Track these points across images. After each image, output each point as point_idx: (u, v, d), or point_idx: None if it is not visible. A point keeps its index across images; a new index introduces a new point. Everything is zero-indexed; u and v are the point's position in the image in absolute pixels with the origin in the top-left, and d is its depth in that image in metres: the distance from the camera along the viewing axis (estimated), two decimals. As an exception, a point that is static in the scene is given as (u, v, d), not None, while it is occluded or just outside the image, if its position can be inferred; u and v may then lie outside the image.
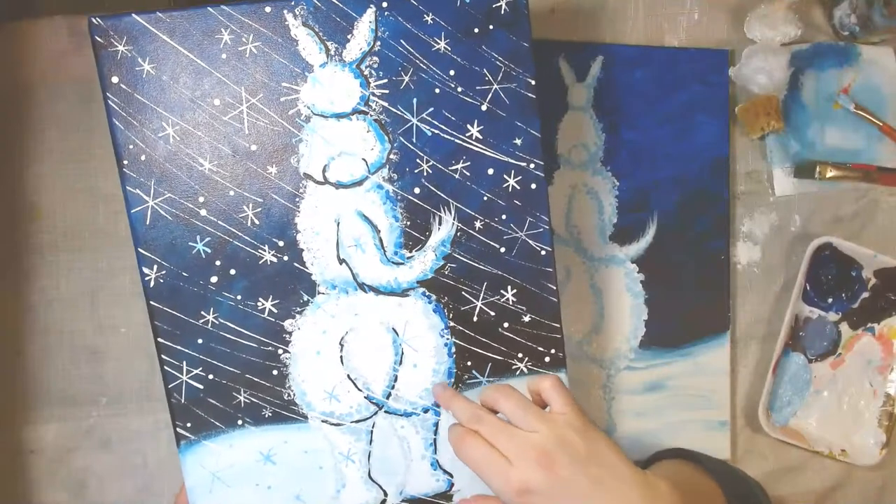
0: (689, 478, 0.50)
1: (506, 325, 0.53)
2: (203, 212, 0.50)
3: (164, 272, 0.50)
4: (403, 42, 0.51)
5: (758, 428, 0.67)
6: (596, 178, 0.67)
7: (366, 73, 0.51)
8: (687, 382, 0.67)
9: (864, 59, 0.71)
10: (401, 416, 0.53)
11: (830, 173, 0.69)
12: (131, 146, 0.49)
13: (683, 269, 0.68)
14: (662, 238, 0.68)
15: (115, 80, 0.49)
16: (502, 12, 0.52)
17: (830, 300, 0.70)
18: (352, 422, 0.53)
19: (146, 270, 0.50)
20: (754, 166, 0.71)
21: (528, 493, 0.43)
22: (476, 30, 0.51)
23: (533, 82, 0.52)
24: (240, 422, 0.52)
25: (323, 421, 0.52)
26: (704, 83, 0.69)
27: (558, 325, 0.54)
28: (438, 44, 0.51)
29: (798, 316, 0.69)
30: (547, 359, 0.54)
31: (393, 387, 0.53)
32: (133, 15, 0.49)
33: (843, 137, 0.71)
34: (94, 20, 0.49)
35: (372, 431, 0.53)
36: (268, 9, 0.50)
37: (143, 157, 0.50)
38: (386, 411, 0.53)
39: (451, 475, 0.53)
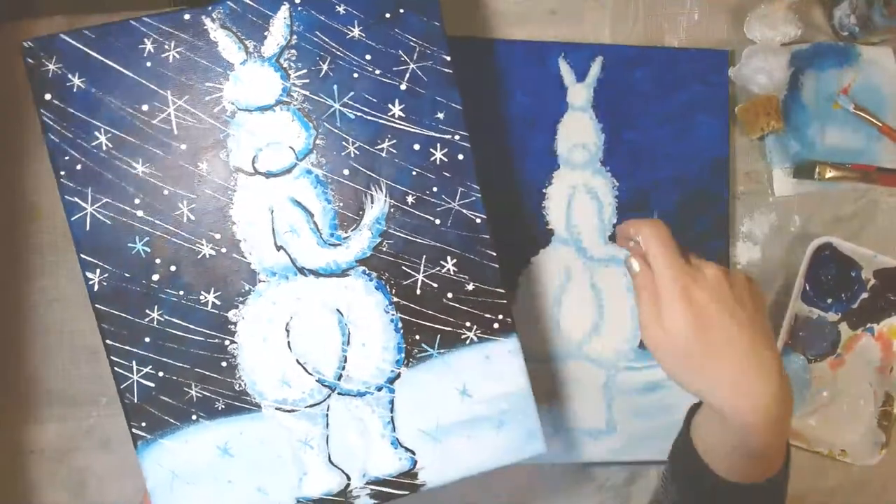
0: None
1: (450, 295, 0.51)
2: (140, 213, 0.49)
3: (106, 275, 0.49)
4: (318, 33, 0.50)
5: (758, 428, 0.67)
6: (596, 178, 0.66)
7: (285, 65, 0.51)
8: (687, 383, 0.67)
9: (864, 60, 0.70)
10: (354, 396, 0.50)
11: (830, 174, 0.69)
12: (66, 157, 0.49)
13: None
14: None
15: (48, 97, 0.49)
16: None
17: (830, 300, 0.69)
18: (305, 407, 0.50)
19: (89, 275, 0.49)
20: (754, 166, 0.70)
21: (690, 291, 0.43)
22: (387, 14, 0.51)
23: (448, 58, 0.51)
24: (194, 416, 0.49)
25: (277, 409, 0.50)
26: (704, 83, 0.68)
27: (502, 291, 0.51)
28: (352, 31, 0.51)
29: (797, 316, 0.69)
30: (496, 325, 0.51)
31: (343, 368, 0.50)
32: (61, 35, 0.49)
33: (842, 138, 0.70)
34: (25, 44, 0.49)
35: (327, 415, 0.50)
36: (186, 16, 0.50)
37: (78, 167, 0.49)
38: (339, 393, 0.50)
39: (413, 452, 0.50)
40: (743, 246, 0.65)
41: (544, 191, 0.62)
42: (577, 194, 0.62)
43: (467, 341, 0.51)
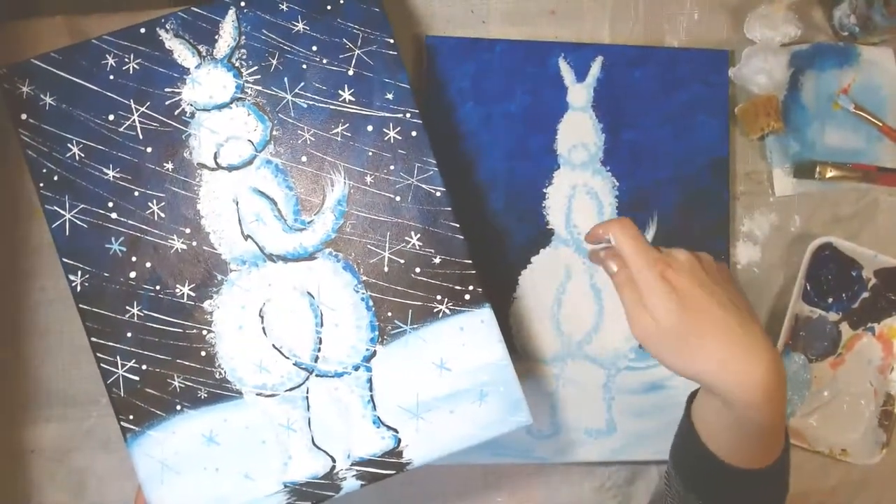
0: None
1: (417, 270, 0.53)
2: (114, 215, 0.53)
3: (87, 276, 0.52)
4: (265, 31, 0.54)
5: (758, 428, 0.67)
6: (596, 178, 0.67)
7: (237, 65, 0.54)
8: (687, 382, 0.66)
9: (864, 60, 0.70)
10: (333, 377, 0.52)
11: (830, 173, 0.69)
12: (44, 170, 0.53)
13: None
14: (662, 238, 0.63)
15: (23, 116, 0.53)
16: None
17: (830, 300, 0.69)
18: (285, 391, 0.52)
19: (72, 277, 0.52)
20: (754, 166, 0.70)
21: (669, 278, 0.45)
22: (328, 7, 0.55)
23: (392, 41, 0.54)
24: (178, 406, 0.51)
25: (258, 394, 0.52)
26: (704, 83, 0.68)
27: (470, 262, 0.53)
28: (297, 26, 0.55)
29: (798, 316, 0.69)
30: (467, 296, 0.52)
31: (319, 349, 0.52)
32: (31, 60, 0.53)
33: (842, 138, 0.70)
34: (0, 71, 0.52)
35: (307, 398, 0.52)
36: (142, 30, 0.54)
37: (55, 178, 0.52)
38: (317, 375, 0.52)
39: (396, 430, 0.51)
40: (743, 246, 0.65)
41: (544, 191, 0.62)
42: (577, 194, 0.62)
43: (440, 314, 0.53)
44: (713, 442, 0.45)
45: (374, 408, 0.52)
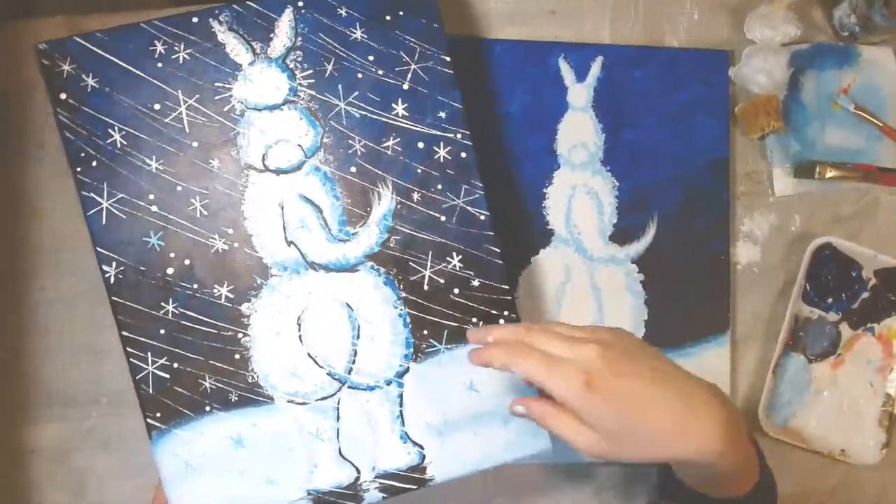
0: None
1: (456, 290, 0.54)
2: (154, 208, 0.52)
3: (122, 268, 0.52)
4: (322, 35, 0.54)
5: (758, 428, 0.66)
6: (596, 178, 0.67)
7: (291, 66, 0.54)
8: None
9: (864, 60, 0.70)
10: (364, 390, 0.53)
11: (830, 173, 0.69)
12: (82, 154, 0.51)
13: (683, 269, 0.65)
14: (662, 238, 0.64)
15: (63, 96, 0.52)
16: None
17: (830, 300, 0.69)
18: (317, 399, 0.52)
19: (105, 268, 0.51)
20: (754, 166, 0.70)
21: (590, 382, 0.41)
22: (388, 17, 0.54)
23: (448, 59, 0.54)
24: (207, 408, 0.51)
25: (289, 401, 0.52)
26: (704, 83, 0.68)
27: (507, 287, 0.54)
28: (355, 33, 0.54)
29: (798, 316, 0.69)
30: (501, 321, 0.54)
31: (353, 361, 0.53)
32: (74, 37, 0.52)
33: (843, 137, 0.70)
34: (39, 46, 0.51)
35: (338, 408, 0.52)
36: (195, 19, 0.53)
37: (94, 163, 0.52)
38: (349, 386, 0.52)
39: (421, 447, 0.52)
40: (743, 246, 0.65)
41: (544, 191, 0.62)
42: (577, 194, 0.62)
43: None
44: (691, 481, 0.46)
45: (403, 423, 0.53)
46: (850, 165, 0.68)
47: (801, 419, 0.68)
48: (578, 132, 0.64)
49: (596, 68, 0.65)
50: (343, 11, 0.54)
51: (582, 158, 0.64)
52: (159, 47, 0.52)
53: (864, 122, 0.68)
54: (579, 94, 0.65)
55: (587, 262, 0.64)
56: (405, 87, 0.54)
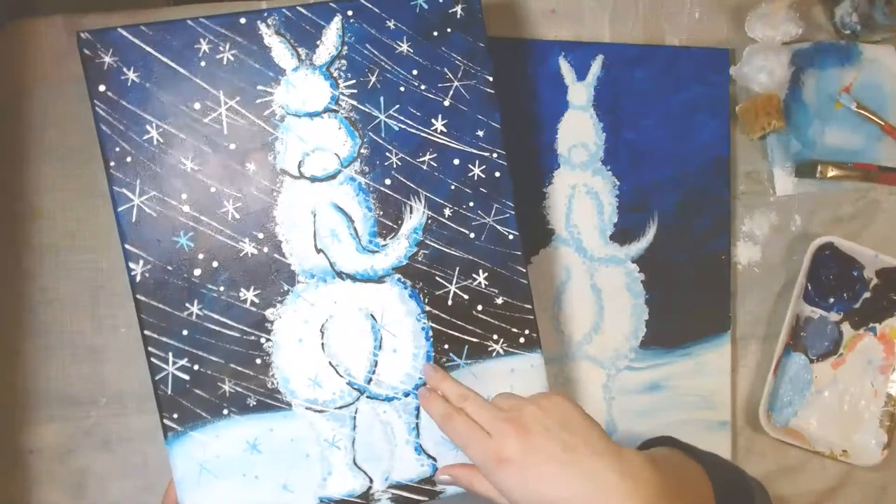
0: (672, 460, 0.52)
1: (480, 307, 0.56)
2: (186, 208, 0.54)
3: (149, 266, 0.53)
4: (368, 46, 0.55)
5: (758, 428, 0.67)
6: (596, 178, 0.68)
7: (335, 75, 0.55)
8: (687, 382, 0.68)
9: (866, 58, 0.72)
10: (383, 400, 0.55)
11: (831, 173, 0.70)
12: (117, 149, 0.53)
13: (683, 269, 0.69)
14: (662, 238, 0.69)
15: (101, 88, 0.53)
16: (458, 16, 0.56)
17: (831, 300, 0.70)
18: (335, 408, 0.55)
19: (132, 265, 0.53)
20: (754, 166, 0.71)
21: (503, 461, 0.47)
22: (435, 33, 0.56)
23: (490, 78, 0.57)
24: (225, 411, 0.54)
25: (307, 408, 0.55)
26: (705, 83, 0.69)
27: (530, 307, 0.57)
28: (401, 46, 0.56)
29: (799, 316, 0.70)
30: (522, 339, 0.57)
31: (374, 372, 0.55)
32: (118, 29, 0.53)
33: (844, 137, 0.71)
34: (81, 35, 0.53)
35: (355, 417, 0.55)
36: (242, 20, 0.54)
37: (128, 159, 0.53)
38: (368, 396, 0.55)
39: (434, 459, 0.56)
40: (743, 246, 0.66)
41: (544, 190, 0.63)
42: (578, 194, 0.63)
43: (493, 353, 0.56)
44: None
45: (418, 435, 0.56)
46: (852, 165, 0.68)
47: (801, 419, 0.69)
48: (578, 131, 0.65)
49: (596, 67, 0.65)
50: (391, 24, 0.56)
51: (582, 158, 0.65)
52: (204, 46, 0.54)
53: (866, 121, 0.69)
54: (579, 93, 0.65)
55: (587, 262, 0.65)
56: (446, 103, 0.56)
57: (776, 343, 0.70)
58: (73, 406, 0.65)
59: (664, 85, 0.70)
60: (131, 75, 0.53)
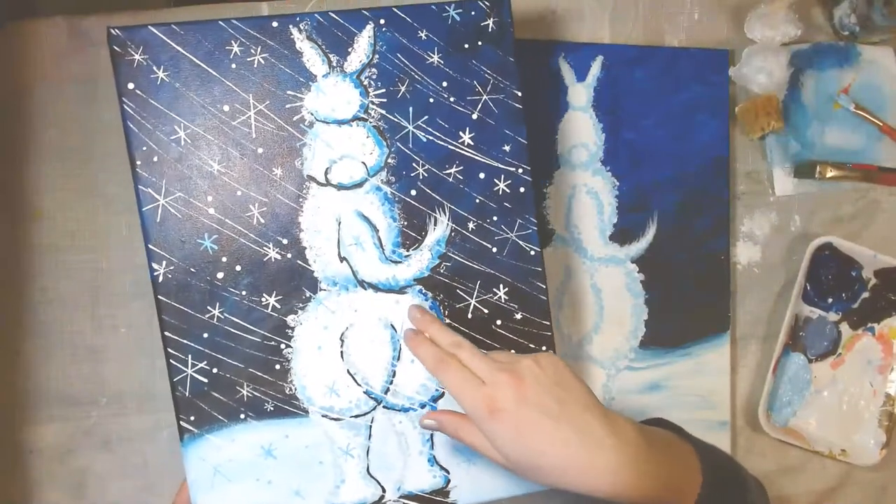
0: (662, 434, 0.52)
1: (499, 322, 0.58)
2: (211, 210, 0.54)
3: (172, 268, 0.54)
4: (400, 55, 0.56)
5: (758, 428, 0.68)
6: (596, 178, 0.68)
7: (365, 83, 0.56)
8: (687, 382, 0.68)
9: (865, 59, 0.72)
10: (399, 411, 0.57)
11: (830, 173, 0.70)
12: (144, 148, 0.54)
13: (683, 269, 0.71)
14: (662, 238, 0.71)
15: (130, 86, 0.53)
16: (490, 30, 0.57)
17: (830, 300, 0.70)
18: (351, 416, 0.56)
19: (155, 266, 0.54)
20: (754, 166, 0.72)
21: (497, 410, 0.47)
22: (466, 45, 0.57)
23: (519, 94, 0.58)
24: (242, 415, 0.55)
25: (323, 416, 0.56)
26: (704, 83, 0.69)
27: (548, 323, 0.58)
28: (432, 57, 0.56)
29: (798, 316, 0.70)
30: None
31: (391, 382, 0.56)
32: (149, 27, 0.54)
33: (843, 137, 0.72)
34: (112, 31, 0.53)
35: (371, 426, 0.56)
36: (275, 24, 0.55)
37: (155, 159, 0.54)
38: (384, 406, 0.56)
39: (447, 471, 0.57)
40: (743, 246, 0.66)
41: (544, 190, 0.63)
42: (577, 194, 0.63)
43: None
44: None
45: (433, 447, 0.57)
46: (851, 165, 0.69)
47: (801, 419, 0.69)
48: (578, 132, 0.65)
49: (596, 68, 0.65)
50: (423, 34, 0.56)
51: (582, 158, 0.65)
52: (235, 48, 0.54)
53: (865, 121, 0.69)
54: (579, 93, 0.65)
55: (587, 262, 0.65)
56: (474, 116, 0.57)
57: (775, 343, 0.72)
58: (73, 406, 0.66)
59: (664, 85, 0.72)
60: (161, 74, 0.53)
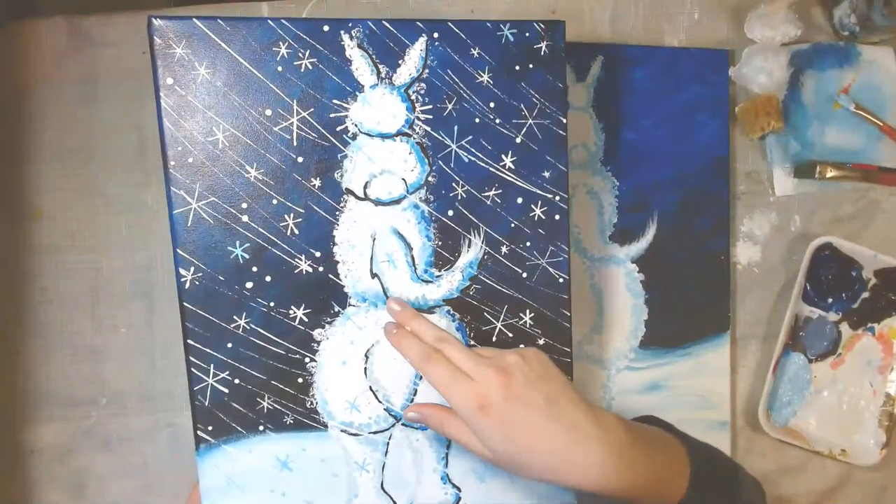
0: (650, 430, 0.52)
1: (521, 346, 0.58)
2: (245, 218, 0.53)
3: (200, 274, 0.53)
4: (450, 72, 0.55)
5: (758, 428, 0.68)
6: (596, 178, 0.68)
7: (412, 97, 0.55)
8: (687, 382, 0.69)
9: (864, 59, 0.73)
10: (417, 429, 0.57)
11: (830, 173, 0.70)
12: (179, 147, 0.52)
13: (683, 269, 0.71)
14: (662, 238, 0.72)
15: (169, 81, 0.52)
16: (542, 53, 0.57)
17: (830, 300, 0.71)
18: (370, 432, 0.56)
19: (182, 272, 0.53)
20: (754, 166, 0.72)
21: (485, 406, 0.48)
22: (517, 67, 0.56)
23: (564, 121, 0.58)
24: (261, 427, 0.55)
25: (342, 430, 0.56)
26: (704, 83, 0.70)
27: (569, 350, 0.59)
28: (482, 76, 0.56)
29: (798, 316, 0.70)
30: None
31: (412, 400, 0.57)
32: (194, 20, 0.52)
33: (843, 137, 0.72)
34: (154, 21, 0.52)
35: (388, 443, 0.56)
36: (326, 28, 0.54)
37: (189, 160, 0.53)
38: (403, 424, 0.57)
39: (459, 489, 0.57)
40: (743, 246, 0.66)
41: (544, 191, 0.63)
42: (577, 194, 0.63)
43: None
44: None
45: (447, 465, 0.57)
46: (851, 165, 0.69)
47: (801, 419, 0.69)
48: (578, 132, 0.65)
49: (596, 68, 0.65)
50: (475, 52, 0.55)
51: (582, 158, 0.65)
52: (283, 49, 0.52)
53: (865, 121, 0.69)
54: (579, 94, 0.65)
55: (587, 262, 0.65)
56: (518, 140, 0.56)
57: (775, 343, 0.73)
58: (73, 406, 0.68)
59: (664, 85, 0.73)
60: (202, 71, 0.51)
